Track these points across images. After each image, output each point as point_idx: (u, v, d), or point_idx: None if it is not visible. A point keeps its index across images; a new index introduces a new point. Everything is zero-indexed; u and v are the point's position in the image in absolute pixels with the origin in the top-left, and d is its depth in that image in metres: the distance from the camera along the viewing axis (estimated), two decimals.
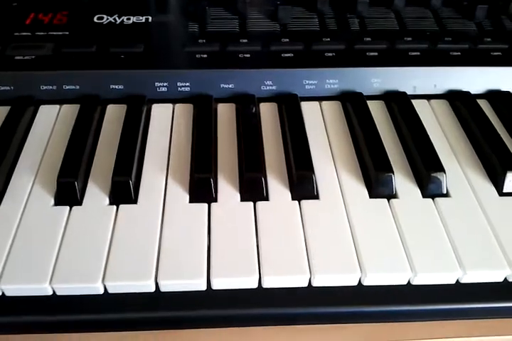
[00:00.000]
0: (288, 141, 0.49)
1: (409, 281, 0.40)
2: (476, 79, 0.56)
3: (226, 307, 0.38)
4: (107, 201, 0.44)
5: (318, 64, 0.55)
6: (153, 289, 0.38)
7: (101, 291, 0.38)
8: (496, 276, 0.40)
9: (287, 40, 0.57)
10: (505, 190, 0.46)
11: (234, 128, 0.52)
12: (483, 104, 0.55)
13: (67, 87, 0.54)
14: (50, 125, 0.52)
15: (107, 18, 0.61)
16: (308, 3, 0.62)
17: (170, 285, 0.38)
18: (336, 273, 0.39)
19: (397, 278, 0.39)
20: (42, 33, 0.59)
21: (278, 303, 0.38)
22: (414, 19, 0.62)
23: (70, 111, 0.53)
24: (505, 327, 0.41)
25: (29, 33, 0.59)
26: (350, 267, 0.39)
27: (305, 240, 0.41)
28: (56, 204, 0.44)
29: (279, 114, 0.54)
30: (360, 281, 0.39)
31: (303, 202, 0.44)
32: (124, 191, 0.44)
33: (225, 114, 0.54)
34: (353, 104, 0.53)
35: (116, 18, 0.61)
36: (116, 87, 0.54)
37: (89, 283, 0.37)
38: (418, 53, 0.56)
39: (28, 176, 0.46)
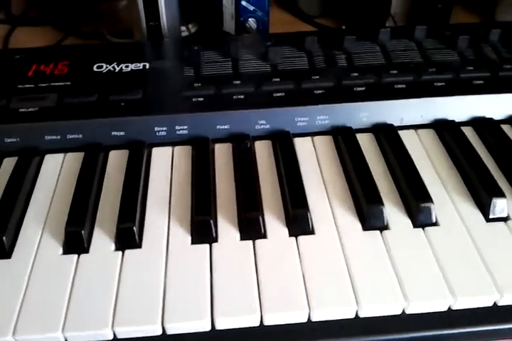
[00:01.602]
0: (283, 178, 0.51)
1: (403, 310, 0.41)
2: (461, 108, 0.57)
3: None
4: (113, 247, 0.46)
5: (309, 101, 0.57)
6: (159, 332, 0.40)
7: (110, 337, 0.40)
8: (485, 301, 0.42)
9: (278, 79, 0.59)
10: (491, 216, 0.47)
11: (231, 167, 0.54)
12: (468, 131, 0.57)
13: (70, 136, 0.56)
14: (56, 173, 0.54)
15: (106, 67, 0.63)
16: (297, 42, 0.65)
17: (175, 328, 0.40)
18: (333, 307, 0.41)
19: (392, 308, 0.41)
20: (44, 85, 0.60)
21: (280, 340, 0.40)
22: (398, 52, 0.64)
23: (74, 159, 0.56)
24: None
25: (32, 85, 0.60)
26: (346, 300, 0.41)
27: (303, 275, 0.43)
28: (64, 252, 0.46)
29: (273, 151, 0.56)
30: (357, 313, 0.41)
31: (300, 238, 0.46)
32: (128, 237, 0.46)
33: (222, 154, 0.56)
34: (344, 139, 0.56)
35: (115, 66, 0.63)
36: (118, 133, 0.56)
37: (99, 330, 0.39)
38: (404, 86, 0.58)
39: (36, 226, 0.48)
